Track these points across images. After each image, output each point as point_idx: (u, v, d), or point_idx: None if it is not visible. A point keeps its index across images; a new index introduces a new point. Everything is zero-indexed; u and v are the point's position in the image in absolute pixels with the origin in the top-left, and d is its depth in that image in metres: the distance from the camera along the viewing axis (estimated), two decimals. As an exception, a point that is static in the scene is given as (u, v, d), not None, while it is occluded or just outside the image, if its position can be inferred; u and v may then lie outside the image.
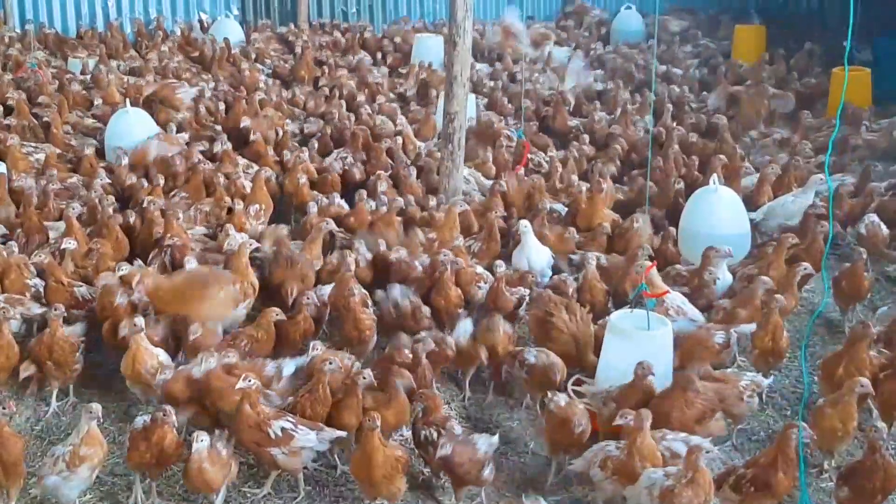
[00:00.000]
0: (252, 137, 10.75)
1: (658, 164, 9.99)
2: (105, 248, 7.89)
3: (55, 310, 6.63)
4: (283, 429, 5.64)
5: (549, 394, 5.92)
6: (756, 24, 17.36)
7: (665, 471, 5.22)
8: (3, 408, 5.43)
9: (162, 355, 6.43)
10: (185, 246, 7.94)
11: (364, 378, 5.93)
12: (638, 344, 6.34)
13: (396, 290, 7.30)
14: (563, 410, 5.78)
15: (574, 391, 6.44)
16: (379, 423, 5.37)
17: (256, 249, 7.86)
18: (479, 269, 7.95)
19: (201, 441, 5.38)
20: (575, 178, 9.96)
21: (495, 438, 5.61)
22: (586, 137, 11.58)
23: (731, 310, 7.16)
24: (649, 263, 7.36)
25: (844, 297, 7.82)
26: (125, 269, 7.36)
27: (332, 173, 9.98)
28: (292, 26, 17.48)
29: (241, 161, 10.31)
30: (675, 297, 7.26)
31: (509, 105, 13.01)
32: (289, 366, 6.39)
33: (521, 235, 8.15)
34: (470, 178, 10.28)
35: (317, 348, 6.47)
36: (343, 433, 5.82)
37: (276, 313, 6.87)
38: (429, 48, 15.42)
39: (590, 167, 10.38)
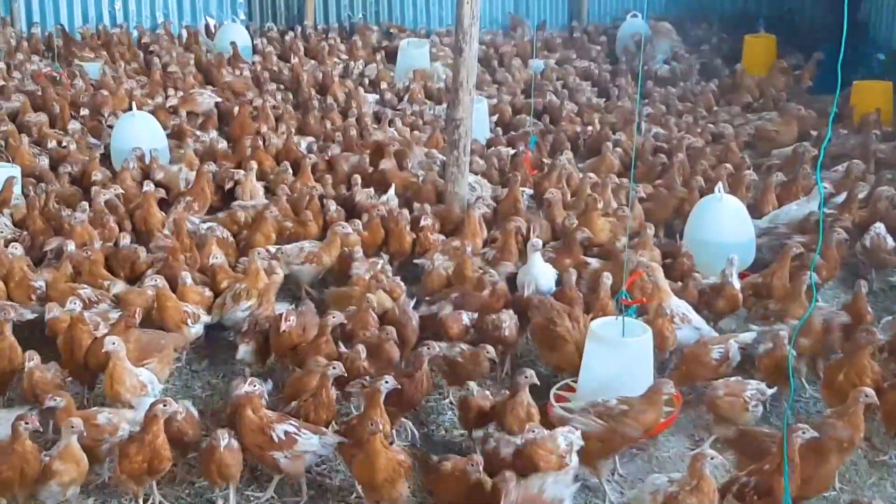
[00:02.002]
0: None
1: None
2: (96, 255, 7.83)
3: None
4: (286, 432, 5.64)
5: None
6: (764, 33, 17.31)
7: (669, 477, 5.21)
8: (27, 423, 5.33)
9: (144, 375, 6.26)
10: (175, 249, 7.94)
11: (386, 383, 5.82)
12: (618, 351, 6.31)
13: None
14: None
15: (562, 407, 6.22)
16: (381, 427, 5.38)
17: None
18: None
19: None
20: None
21: None
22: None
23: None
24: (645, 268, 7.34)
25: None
26: (119, 286, 7.50)
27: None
28: (299, 31, 17.46)
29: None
30: (680, 304, 7.24)
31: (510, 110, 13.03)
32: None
33: (529, 254, 7.87)
34: (476, 185, 10.27)
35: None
36: (345, 439, 5.80)
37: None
38: (413, 56, 15.02)
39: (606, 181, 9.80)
